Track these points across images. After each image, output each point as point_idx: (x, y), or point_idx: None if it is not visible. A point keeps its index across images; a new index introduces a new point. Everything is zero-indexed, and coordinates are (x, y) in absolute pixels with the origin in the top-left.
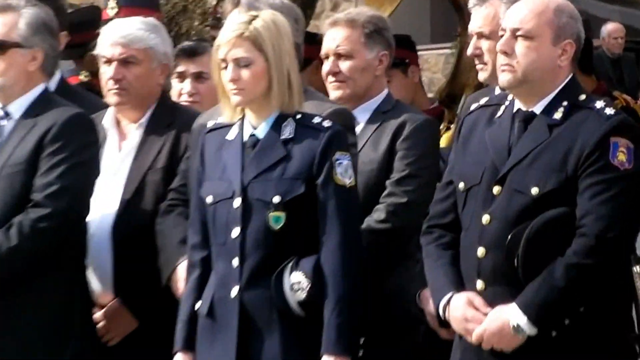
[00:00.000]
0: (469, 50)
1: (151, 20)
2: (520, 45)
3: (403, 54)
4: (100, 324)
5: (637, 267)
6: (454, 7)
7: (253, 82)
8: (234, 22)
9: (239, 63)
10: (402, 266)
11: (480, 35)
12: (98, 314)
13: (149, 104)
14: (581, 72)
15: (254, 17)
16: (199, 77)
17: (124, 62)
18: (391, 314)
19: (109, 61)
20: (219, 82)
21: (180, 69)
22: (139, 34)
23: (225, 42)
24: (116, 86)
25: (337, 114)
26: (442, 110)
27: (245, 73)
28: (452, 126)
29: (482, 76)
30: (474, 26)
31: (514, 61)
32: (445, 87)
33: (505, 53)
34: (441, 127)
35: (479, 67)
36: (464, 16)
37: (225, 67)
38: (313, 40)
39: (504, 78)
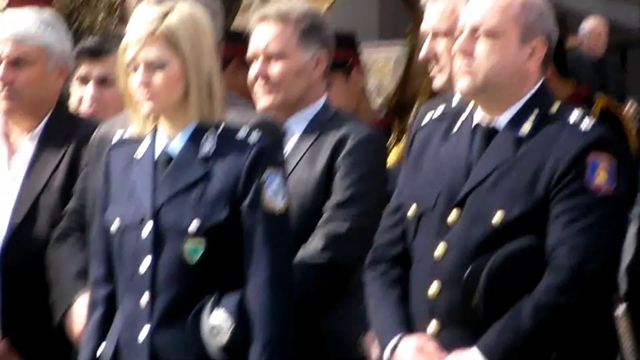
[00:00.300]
0: (422, 52)
1: (47, 13)
2: (482, 45)
3: (344, 54)
4: None
5: (621, 308)
6: (403, 2)
7: (167, 87)
8: (143, 17)
9: (151, 65)
10: (341, 305)
11: (436, 34)
12: None
13: (44, 112)
14: (559, 75)
15: (168, 11)
16: (103, 81)
17: (15, 62)
18: (329, 357)
19: None
20: (127, 87)
21: (81, 71)
22: (32, 30)
23: (134, 41)
24: (5, 90)
25: (264, 125)
26: (391, 120)
27: (157, 77)
28: (403, 139)
29: (437, 82)
30: (428, 24)
31: (474, 63)
32: (395, 94)
33: (463, 54)
34: (390, 140)
35: (434, 71)
36: (416, 12)
37: (135, 70)
38: (238, 38)
39: (462, 84)
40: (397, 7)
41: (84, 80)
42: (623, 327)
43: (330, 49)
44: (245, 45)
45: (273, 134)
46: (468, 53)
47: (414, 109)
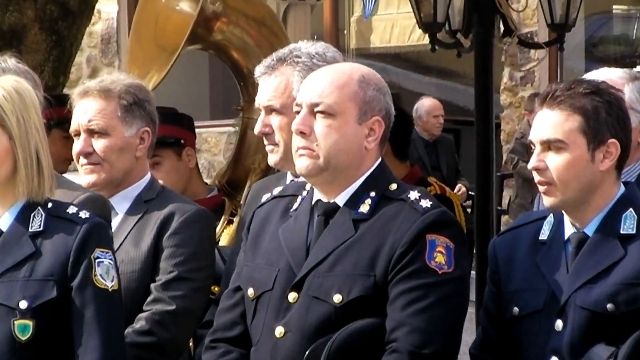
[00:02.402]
0: (257, 128)
1: None
2: (321, 124)
3: (179, 132)
4: None
5: None
6: (235, 76)
7: None
8: None
9: None
10: None
11: (270, 110)
12: None
13: None
14: (394, 157)
15: None
16: None
17: None
18: None
19: None
20: None
21: None
22: None
23: None
24: None
25: (91, 202)
26: (222, 199)
27: None
28: (235, 219)
29: (272, 159)
30: (262, 99)
31: (313, 144)
32: (226, 172)
33: (302, 134)
34: (222, 218)
35: (268, 148)
36: (248, 86)
37: None
38: (60, 102)
39: (302, 164)
40: (228, 86)
41: None
42: None
43: (154, 125)
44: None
45: (101, 212)
46: (307, 132)
47: (246, 188)
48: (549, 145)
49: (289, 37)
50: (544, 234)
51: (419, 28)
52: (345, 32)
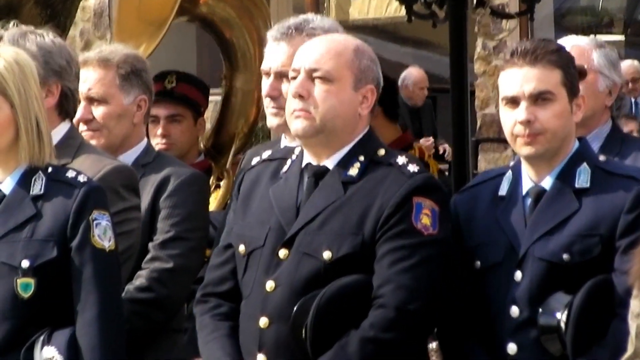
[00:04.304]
0: (266, 91)
1: None
2: (319, 89)
3: (201, 100)
4: None
5: (433, 343)
6: (219, 46)
7: None
8: None
9: None
10: (167, 340)
11: (280, 76)
12: None
13: None
14: (386, 118)
15: None
16: None
17: None
18: None
19: None
20: None
21: None
22: None
23: None
24: None
25: (118, 172)
26: (209, 164)
27: None
28: (222, 184)
29: (274, 122)
30: (274, 64)
31: (310, 107)
32: (210, 136)
33: (300, 97)
34: (209, 182)
35: (271, 111)
36: (231, 56)
37: None
38: None
39: (298, 125)
40: (216, 56)
41: None
42: None
43: (150, 93)
44: None
45: (126, 180)
46: (305, 96)
47: (231, 152)
48: (537, 98)
49: (270, 10)
50: (503, 190)
51: (396, 0)
52: (325, 4)
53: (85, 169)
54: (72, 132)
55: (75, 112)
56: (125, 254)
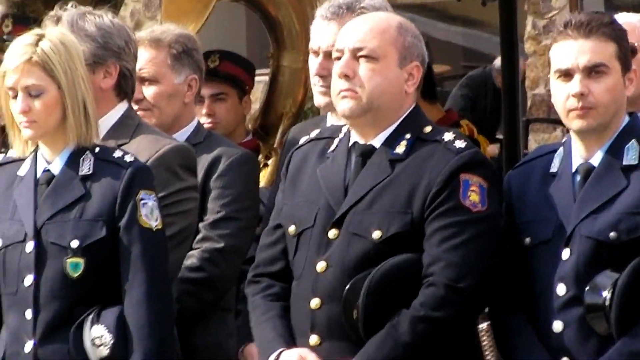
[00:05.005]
0: (315, 70)
1: None
2: (365, 68)
3: (246, 78)
4: None
5: (484, 324)
6: (265, 25)
7: (46, 113)
8: (18, 44)
9: (30, 93)
10: (217, 319)
11: (330, 55)
12: None
13: None
14: (425, 100)
15: (40, 38)
16: None
17: None
18: None
19: None
20: (7, 111)
21: None
22: None
23: (13, 68)
24: None
25: (176, 151)
26: (257, 143)
27: (37, 104)
28: (270, 162)
29: (322, 100)
30: (324, 43)
31: (356, 86)
32: (258, 117)
33: (346, 77)
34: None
35: (320, 90)
36: (278, 35)
37: (14, 97)
38: None
39: (345, 105)
40: (265, 36)
41: None
42: (486, 342)
43: (201, 73)
44: None
45: (185, 160)
46: (351, 76)
47: (279, 132)
48: (590, 71)
49: None
50: (554, 166)
51: None
52: None
53: (142, 149)
54: (130, 113)
55: (133, 93)
56: (183, 234)
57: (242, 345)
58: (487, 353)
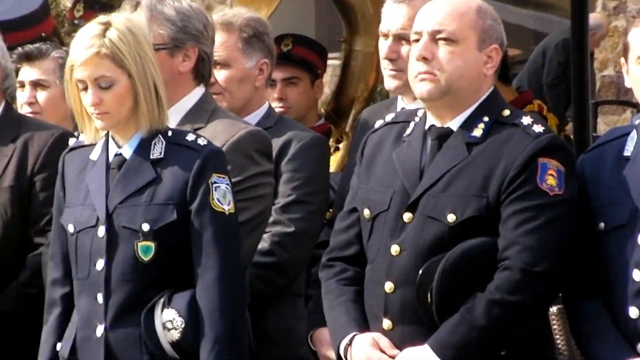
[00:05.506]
0: (384, 53)
1: None
2: (443, 50)
3: (318, 62)
4: None
5: (554, 307)
6: (337, 7)
7: (118, 104)
8: (85, 35)
9: (100, 84)
10: (288, 304)
11: (400, 38)
12: None
13: None
14: (500, 82)
15: (107, 27)
16: (37, 84)
17: None
18: (276, 356)
19: None
20: (76, 103)
21: (20, 76)
22: None
23: (81, 62)
24: None
25: (252, 136)
26: (329, 127)
27: (108, 95)
28: (341, 146)
29: (392, 84)
30: (392, 26)
31: (435, 69)
32: (331, 101)
33: (424, 59)
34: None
35: (390, 73)
36: (351, 19)
37: (84, 89)
38: None
39: (423, 88)
40: (334, 20)
41: (21, 84)
42: (557, 326)
43: (272, 57)
44: None
45: (261, 145)
46: (430, 58)
47: (351, 116)
48: None
49: None
50: (628, 150)
51: None
52: None
53: (219, 133)
54: (207, 97)
55: (210, 77)
56: (258, 219)
57: (312, 330)
58: (557, 337)
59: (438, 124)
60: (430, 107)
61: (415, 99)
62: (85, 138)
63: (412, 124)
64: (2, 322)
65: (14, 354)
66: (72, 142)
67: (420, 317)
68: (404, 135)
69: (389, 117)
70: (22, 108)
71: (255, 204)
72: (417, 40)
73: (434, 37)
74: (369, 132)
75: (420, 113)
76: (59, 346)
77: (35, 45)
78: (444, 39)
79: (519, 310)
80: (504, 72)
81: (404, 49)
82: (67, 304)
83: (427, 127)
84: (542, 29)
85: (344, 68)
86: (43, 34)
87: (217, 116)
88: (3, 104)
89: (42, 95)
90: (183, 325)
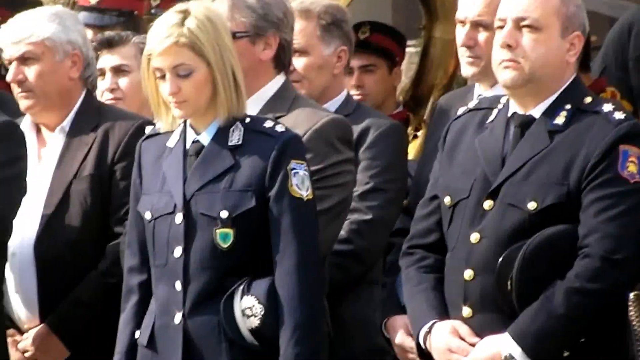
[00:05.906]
0: (462, 39)
1: (55, 8)
2: (527, 38)
3: (396, 49)
4: (28, 354)
5: (631, 293)
6: None
7: (196, 92)
8: (163, 24)
9: (178, 73)
10: (365, 292)
11: (477, 25)
12: (24, 343)
13: (69, 104)
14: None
15: (185, 16)
16: (118, 70)
17: (22, 61)
18: (353, 344)
19: (10, 62)
20: (154, 92)
21: (99, 63)
22: (31, 28)
23: (159, 51)
24: (20, 89)
25: (334, 124)
26: (407, 115)
27: (186, 84)
28: (419, 134)
29: (470, 71)
30: (469, 13)
31: (519, 56)
32: (410, 89)
33: (508, 47)
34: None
35: (468, 60)
36: (430, 6)
37: (162, 78)
38: None
39: (507, 75)
40: (410, 8)
41: (102, 71)
42: (634, 312)
43: (351, 45)
44: None
45: (342, 133)
46: (513, 45)
47: (430, 103)
48: None
49: None
50: None
51: None
52: None
53: (300, 121)
54: (287, 85)
55: (290, 65)
56: (339, 207)
57: (386, 317)
58: (634, 323)
59: (521, 112)
60: (513, 94)
61: (492, 85)
62: (161, 126)
63: (495, 111)
64: (82, 312)
65: (94, 343)
66: (148, 129)
67: (499, 305)
68: (487, 122)
69: (472, 104)
70: (104, 95)
71: (337, 191)
72: (500, 27)
73: (517, 24)
74: (445, 119)
75: (503, 100)
76: (137, 334)
77: (113, 32)
78: (528, 26)
79: (599, 298)
80: (585, 59)
81: (481, 35)
82: (145, 291)
83: (509, 114)
84: (617, 16)
85: (423, 55)
86: (135, 12)
87: (298, 104)
88: (84, 92)
89: (123, 81)
90: (262, 312)
